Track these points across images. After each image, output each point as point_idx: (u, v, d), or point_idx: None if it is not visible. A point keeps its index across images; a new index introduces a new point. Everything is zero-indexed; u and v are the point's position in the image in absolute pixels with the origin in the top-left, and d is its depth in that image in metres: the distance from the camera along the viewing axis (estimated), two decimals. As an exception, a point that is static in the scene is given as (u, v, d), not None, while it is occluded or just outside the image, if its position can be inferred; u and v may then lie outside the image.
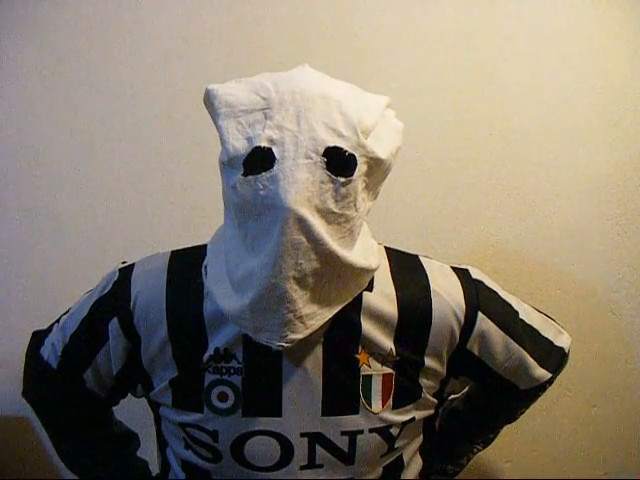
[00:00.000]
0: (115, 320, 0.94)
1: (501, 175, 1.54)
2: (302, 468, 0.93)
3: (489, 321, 0.98)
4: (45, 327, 1.13)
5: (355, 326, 0.91)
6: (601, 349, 1.61)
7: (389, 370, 0.93)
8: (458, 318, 0.96)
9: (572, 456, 1.66)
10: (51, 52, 1.48)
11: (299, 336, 0.82)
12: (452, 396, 1.13)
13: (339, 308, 0.86)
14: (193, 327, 0.91)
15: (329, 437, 0.92)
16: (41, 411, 1.10)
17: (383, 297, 0.93)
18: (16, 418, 1.57)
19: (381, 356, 0.92)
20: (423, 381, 0.96)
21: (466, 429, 1.18)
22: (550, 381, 1.11)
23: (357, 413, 0.92)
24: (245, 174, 0.79)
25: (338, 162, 0.78)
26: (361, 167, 0.80)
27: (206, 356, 0.91)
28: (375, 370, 0.92)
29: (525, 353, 1.04)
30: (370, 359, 0.92)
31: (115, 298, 0.96)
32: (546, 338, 1.08)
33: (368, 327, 0.91)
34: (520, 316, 1.05)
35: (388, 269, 0.96)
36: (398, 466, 1.02)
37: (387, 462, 1.00)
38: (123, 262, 1.02)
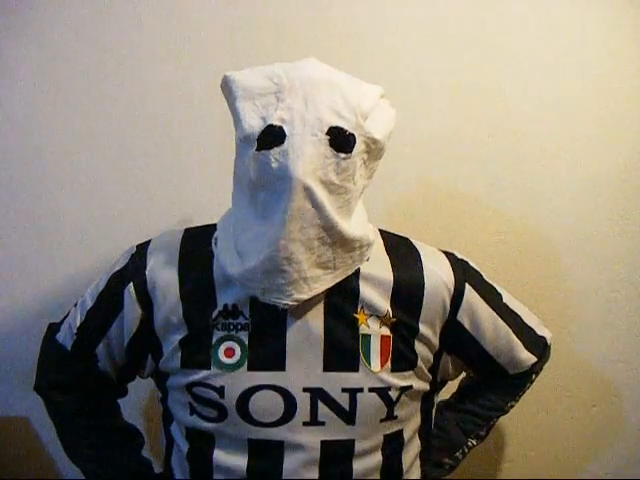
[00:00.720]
0: (130, 286, 1.03)
1: (501, 175, 1.54)
2: (305, 424, 0.99)
3: (476, 294, 1.08)
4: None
5: (354, 289, 1.01)
6: (601, 349, 1.61)
7: (387, 332, 1.01)
8: (449, 289, 1.05)
9: (572, 456, 1.66)
10: (51, 52, 1.48)
11: (304, 296, 0.93)
12: (445, 394, 1.16)
13: (341, 277, 0.97)
14: (203, 288, 1.01)
15: (330, 393, 0.99)
16: (52, 400, 1.14)
17: (379, 264, 1.03)
18: (16, 418, 1.57)
19: (378, 318, 1.01)
20: (418, 348, 1.04)
21: (459, 418, 1.22)
22: (536, 370, 1.19)
23: (357, 371, 1.00)
24: (259, 149, 0.90)
25: (340, 140, 0.90)
26: (359, 145, 0.92)
27: (215, 312, 1.00)
28: (373, 330, 1.01)
29: (511, 332, 1.13)
30: (368, 320, 1.01)
31: (132, 268, 1.05)
32: (528, 325, 1.17)
33: (366, 289, 1.01)
34: (504, 300, 1.15)
35: (383, 245, 1.07)
36: (399, 442, 1.07)
37: (388, 432, 1.05)
38: (137, 245, 1.10)
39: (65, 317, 1.14)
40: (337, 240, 0.93)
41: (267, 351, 0.99)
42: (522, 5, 1.50)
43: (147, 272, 1.02)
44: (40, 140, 1.50)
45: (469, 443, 1.21)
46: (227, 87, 0.97)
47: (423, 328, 1.03)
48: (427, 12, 1.49)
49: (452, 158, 1.53)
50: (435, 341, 1.06)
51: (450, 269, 1.07)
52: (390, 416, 1.03)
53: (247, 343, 0.99)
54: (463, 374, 1.23)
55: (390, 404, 1.02)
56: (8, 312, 1.54)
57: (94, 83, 1.49)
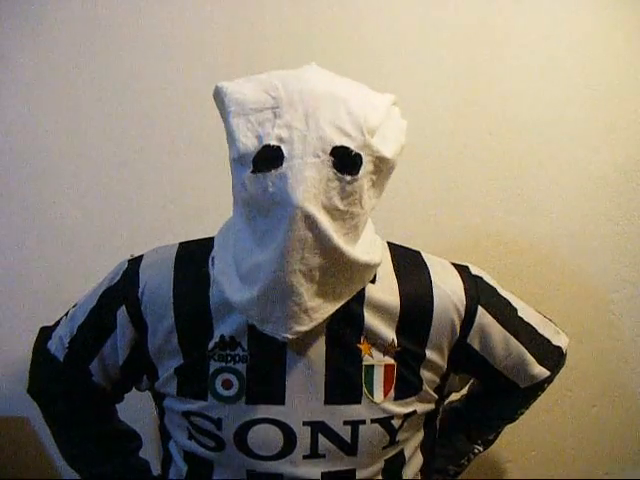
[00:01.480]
0: (123, 308, 0.97)
1: (501, 175, 1.54)
2: (305, 457, 0.95)
3: (489, 315, 1.01)
4: (49, 324, 1.14)
5: (357, 317, 0.93)
6: (601, 349, 1.61)
7: (391, 361, 0.95)
8: (459, 311, 0.98)
9: (572, 456, 1.66)
10: (51, 52, 1.48)
11: (304, 328, 0.85)
12: (452, 395, 1.14)
13: (343, 302, 0.89)
14: (199, 315, 0.94)
15: (331, 426, 0.94)
16: (46, 406, 1.11)
17: (386, 289, 0.95)
18: (16, 418, 1.57)
19: (383, 347, 0.95)
20: (424, 374, 0.98)
21: (466, 428, 1.19)
22: (549, 380, 1.13)
23: (359, 403, 0.94)
24: (254, 171, 0.82)
25: (345, 161, 0.81)
26: (367, 166, 0.83)
27: (211, 343, 0.93)
28: (377, 360, 0.94)
29: (524, 350, 1.05)
30: (372, 349, 0.94)
31: (124, 287, 0.99)
32: (544, 336, 1.10)
33: (370, 318, 0.94)
34: (519, 313, 1.07)
35: (391, 264, 0.99)
36: (399, 461, 1.03)
37: (389, 456, 1.01)
38: (131, 255, 1.04)
39: (56, 324, 1.09)
40: (341, 268, 0.85)
41: (266, 384, 0.94)
42: (522, 5, 1.50)
43: (139, 293, 0.96)
44: (40, 140, 1.50)
45: (475, 450, 1.19)
46: (219, 99, 0.88)
47: (430, 354, 0.97)
48: (427, 12, 1.49)
49: (452, 158, 1.53)
50: (442, 364, 1.00)
51: (462, 288, 0.99)
52: (392, 442, 0.99)
53: (245, 375, 0.93)
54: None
55: (392, 432, 0.98)
56: (8, 312, 1.54)
57: (94, 83, 1.49)
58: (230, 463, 0.97)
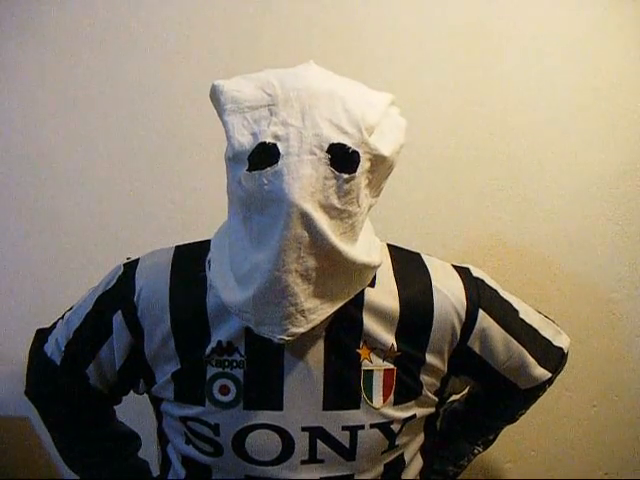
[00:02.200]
0: (119, 313, 0.96)
1: (501, 175, 1.54)
2: (303, 463, 0.94)
3: (490, 319, 0.99)
4: (48, 326, 1.14)
5: (357, 321, 0.92)
6: (601, 349, 1.61)
7: (390, 366, 0.94)
8: (459, 315, 0.97)
9: (572, 456, 1.66)
10: (51, 52, 1.48)
11: (300, 330, 0.83)
12: (453, 396, 1.13)
13: (341, 304, 0.87)
14: (196, 320, 0.93)
15: (330, 432, 0.93)
16: (43, 409, 1.11)
17: (385, 293, 0.94)
18: (16, 418, 1.57)
19: (382, 352, 0.94)
20: (424, 378, 0.97)
21: (466, 430, 1.19)
22: (550, 381, 1.12)
23: (358, 408, 0.93)
24: (250, 169, 0.81)
25: (342, 158, 0.80)
26: (364, 164, 0.81)
27: (209, 349, 0.92)
28: (376, 365, 0.94)
29: (525, 352, 1.04)
30: (371, 354, 0.93)
31: (119, 292, 0.97)
32: (545, 338, 1.09)
33: (369, 322, 0.93)
34: (520, 315, 1.06)
35: (390, 266, 0.98)
36: (399, 465, 1.03)
37: (388, 460, 1.00)
38: (128, 258, 1.03)
39: (53, 326, 1.08)
40: (339, 268, 0.84)
41: (264, 389, 0.93)
42: (522, 5, 1.50)
43: (135, 299, 0.95)
44: (40, 140, 1.50)
45: (475, 451, 1.19)
46: (215, 97, 0.87)
47: (430, 358, 0.96)
48: (427, 12, 1.49)
49: (452, 158, 1.53)
50: (443, 367, 0.99)
51: (463, 291, 0.98)
52: (391, 447, 0.99)
53: (242, 381, 0.92)
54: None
55: (392, 437, 0.97)
56: (8, 313, 1.54)
57: (94, 83, 1.49)
58: (228, 468, 0.97)
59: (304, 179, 0.77)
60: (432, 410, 1.03)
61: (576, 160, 1.54)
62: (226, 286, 0.86)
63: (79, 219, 1.52)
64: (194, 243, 1.02)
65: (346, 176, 0.80)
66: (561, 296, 1.58)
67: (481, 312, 0.98)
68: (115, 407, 1.17)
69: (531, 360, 1.05)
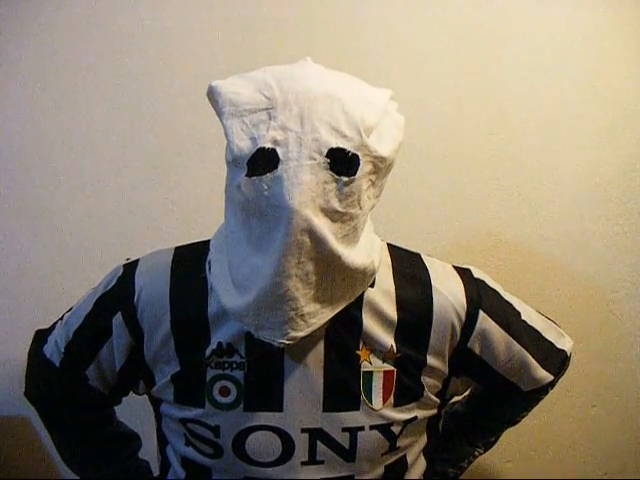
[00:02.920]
0: (119, 315, 0.95)
1: (501, 175, 1.54)
2: (303, 464, 0.94)
3: (490, 320, 0.99)
4: (47, 326, 1.14)
5: (356, 322, 0.92)
6: (601, 349, 1.61)
7: (390, 367, 0.94)
8: (459, 316, 0.96)
9: (572, 456, 1.66)
10: (51, 52, 1.48)
11: (300, 334, 0.83)
12: (455, 398, 1.13)
13: (341, 307, 0.87)
14: (196, 322, 0.93)
15: (330, 433, 0.93)
16: (43, 410, 1.11)
17: (384, 295, 0.94)
18: (16, 418, 1.57)
19: (382, 353, 0.93)
20: (426, 380, 0.97)
21: (467, 431, 1.18)
22: (552, 384, 1.11)
23: (358, 409, 0.93)
24: (249, 175, 0.80)
25: (341, 162, 0.79)
26: (364, 166, 0.81)
27: (209, 350, 0.92)
28: (376, 367, 0.93)
29: (527, 354, 1.04)
30: (371, 356, 0.93)
31: (119, 293, 0.97)
32: (548, 340, 1.08)
33: (369, 323, 0.93)
34: (522, 317, 1.05)
35: (390, 267, 0.97)
36: (401, 467, 1.02)
37: (389, 462, 1.00)
38: (127, 259, 1.03)
39: (52, 327, 1.08)
40: (339, 272, 0.84)
41: (264, 391, 0.93)
42: (522, 5, 1.50)
43: (135, 300, 0.95)
44: (40, 140, 1.50)
45: (476, 453, 1.19)
46: (213, 98, 0.87)
47: (431, 360, 0.96)
48: (427, 12, 1.49)
49: (452, 158, 1.53)
50: (444, 369, 0.98)
51: (463, 292, 0.97)
52: (392, 449, 0.98)
53: (243, 383, 0.92)
54: None
55: (392, 438, 0.97)
56: (8, 313, 1.54)
57: (94, 83, 1.49)
58: (228, 470, 0.96)
59: (304, 185, 0.77)
60: (434, 412, 1.02)
61: (576, 160, 1.54)
62: (226, 290, 0.86)
63: (79, 219, 1.52)
64: (194, 244, 1.01)
65: (346, 179, 0.80)
66: (561, 296, 1.58)
67: (481, 313, 0.98)
68: (115, 407, 1.16)
69: (533, 362, 1.05)
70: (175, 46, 1.48)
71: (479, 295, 0.99)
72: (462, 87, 1.51)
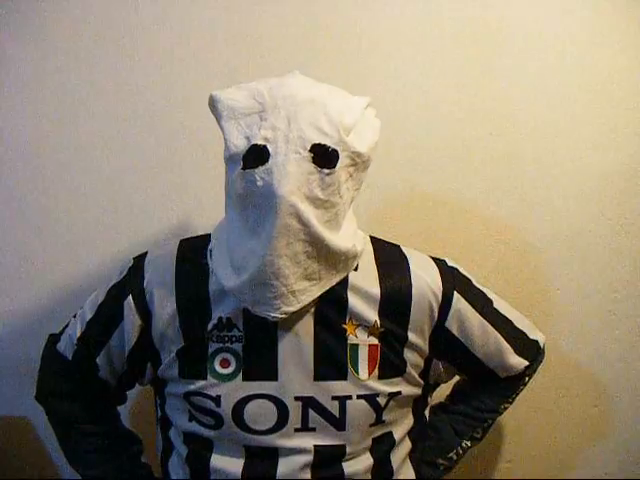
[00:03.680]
0: (130, 298, 1.07)
1: (501, 175, 1.54)
2: (296, 430, 1.04)
3: (465, 301, 1.10)
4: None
5: (342, 300, 1.04)
6: (601, 349, 1.61)
7: (375, 341, 1.04)
8: (436, 296, 1.07)
9: (572, 456, 1.66)
10: (51, 52, 1.48)
11: (291, 309, 0.96)
12: (439, 395, 1.17)
13: (328, 286, 0.99)
14: (199, 300, 1.04)
15: (321, 401, 1.03)
16: (53, 407, 1.17)
17: (367, 277, 1.06)
18: (16, 418, 1.57)
19: (367, 328, 1.04)
20: (408, 356, 1.07)
21: (453, 420, 1.23)
22: (528, 372, 1.20)
23: (345, 379, 1.04)
24: (244, 168, 0.93)
25: (323, 156, 0.92)
26: (343, 160, 0.94)
27: (210, 325, 1.03)
28: (361, 340, 1.04)
29: (501, 338, 1.14)
30: (357, 330, 1.04)
31: (130, 280, 1.09)
32: (520, 329, 1.18)
33: (354, 301, 1.04)
34: (494, 304, 1.16)
35: (372, 254, 1.09)
36: (389, 442, 1.11)
37: (376, 435, 1.09)
38: (135, 257, 1.13)
39: (65, 328, 1.17)
40: (324, 253, 0.96)
41: (260, 362, 1.03)
42: (523, 5, 1.50)
43: (145, 284, 1.06)
44: (40, 140, 1.50)
45: (463, 444, 1.22)
46: (213, 106, 1.00)
47: (412, 336, 1.06)
48: (427, 11, 1.49)
49: (451, 158, 1.53)
50: (425, 347, 1.09)
51: (438, 276, 1.09)
52: (379, 421, 1.07)
53: (241, 354, 1.03)
54: (456, 377, 1.24)
55: (378, 410, 1.06)
56: (8, 313, 1.54)
57: (94, 84, 1.49)
58: (228, 439, 1.05)
59: (291, 175, 0.90)
60: (418, 391, 1.12)
61: (576, 160, 1.54)
62: (225, 273, 0.98)
63: (79, 219, 1.52)
64: (196, 236, 1.16)
65: (327, 171, 0.92)
66: (561, 296, 1.58)
67: (456, 294, 1.09)
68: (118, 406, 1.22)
69: (507, 347, 1.15)
70: (177, 48, 1.48)
71: (453, 278, 1.11)
72: (462, 87, 1.51)
